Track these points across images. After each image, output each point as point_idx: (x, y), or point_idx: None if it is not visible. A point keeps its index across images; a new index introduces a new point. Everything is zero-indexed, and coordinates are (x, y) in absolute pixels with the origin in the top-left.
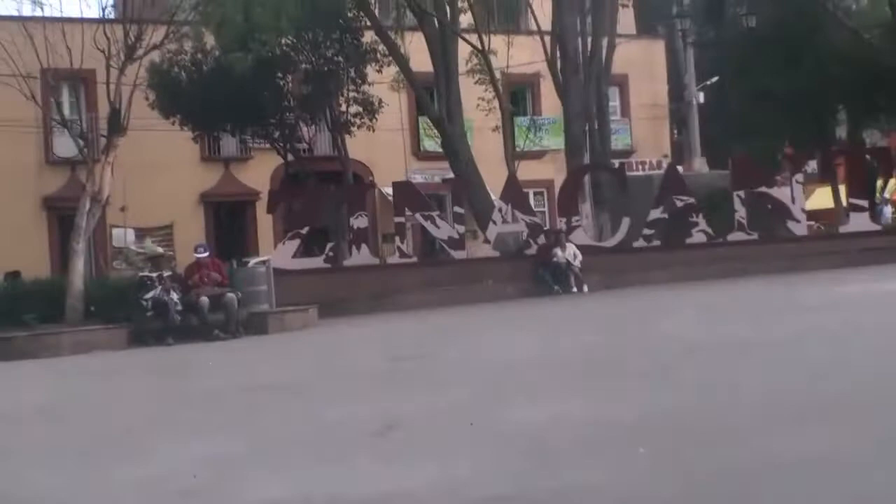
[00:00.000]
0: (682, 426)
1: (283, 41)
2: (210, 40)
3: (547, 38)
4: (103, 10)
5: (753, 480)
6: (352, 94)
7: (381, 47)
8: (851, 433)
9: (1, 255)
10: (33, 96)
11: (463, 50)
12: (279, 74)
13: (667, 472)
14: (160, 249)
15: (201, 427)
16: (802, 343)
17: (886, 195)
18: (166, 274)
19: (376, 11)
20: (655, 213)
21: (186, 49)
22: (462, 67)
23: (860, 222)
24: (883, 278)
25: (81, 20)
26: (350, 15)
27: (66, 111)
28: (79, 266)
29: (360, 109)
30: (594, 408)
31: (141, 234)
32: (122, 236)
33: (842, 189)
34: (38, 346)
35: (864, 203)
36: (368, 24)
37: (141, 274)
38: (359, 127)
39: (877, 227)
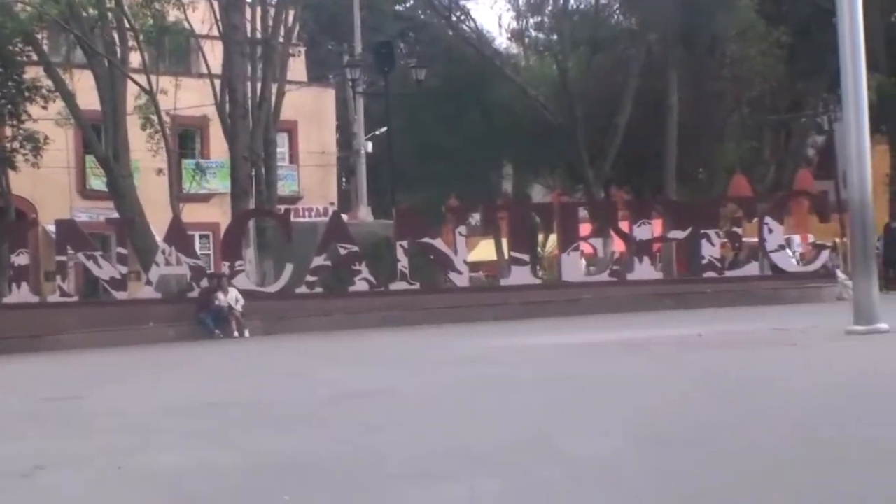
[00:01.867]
0: (329, 472)
1: None
2: None
3: (217, 82)
4: None
5: None
6: (19, 130)
7: (48, 83)
8: (505, 479)
9: None
10: None
11: (132, 88)
12: None
13: None
14: None
15: None
16: (456, 392)
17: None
18: None
19: (45, 47)
20: (319, 261)
21: None
22: (130, 107)
23: (521, 276)
24: (536, 332)
25: None
26: (15, 49)
27: None
28: None
29: (21, 145)
30: (242, 454)
31: None
32: None
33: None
34: None
35: (526, 257)
36: (34, 59)
37: None
38: (14, 164)
39: (536, 281)
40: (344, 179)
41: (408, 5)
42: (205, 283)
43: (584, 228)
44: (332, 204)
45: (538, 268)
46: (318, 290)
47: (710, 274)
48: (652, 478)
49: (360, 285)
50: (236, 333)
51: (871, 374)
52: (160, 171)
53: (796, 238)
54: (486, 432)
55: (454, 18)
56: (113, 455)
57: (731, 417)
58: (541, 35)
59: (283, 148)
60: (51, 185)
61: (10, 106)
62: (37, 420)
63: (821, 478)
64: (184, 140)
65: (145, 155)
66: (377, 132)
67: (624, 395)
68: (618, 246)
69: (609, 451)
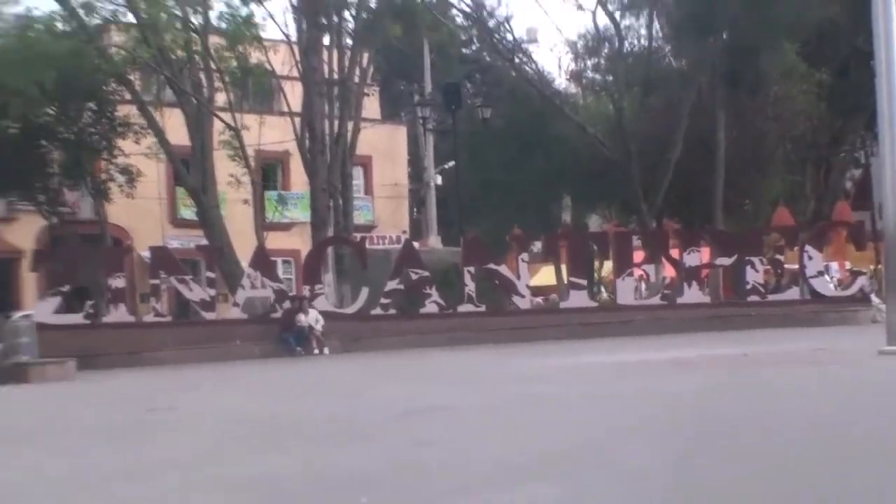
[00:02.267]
0: (400, 482)
1: (46, 111)
2: None
3: (297, 120)
4: None
5: None
6: (110, 164)
7: (140, 120)
8: (560, 489)
9: None
10: None
11: (218, 125)
12: (43, 143)
13: None
14: None
15: None
16: (513, 408)
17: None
18: None
19: (137, 87)
20: (392, 284)
21: None
22: (216, 141)
23: (579, 299)
24: (592, 351)
25: None
26: (109, 88)
27: None
28: None
29: (116, 177)
30: (313, 463)
31: None
32: None
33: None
34: None
35: (584, 282)
36: (127, 98)
37: None
38: (108, 195)
39: (593, 304)
40: (415, 210)
41: (474, 48)
42: (287, 304)
43: (638, 256)
44: (404, 232)
45: (601, 290)
46: (392, 311)
47: (754, 298)
48: (689, 486)
49: (430, 307)
50: (316, 351)
51: None
52: (245, 201)
53: (834, 265)
54: (534, 445)
55: (517, 61)
56: (201, 461)
57: (769, 425)
58: (597, 76)
59: (358, 181)
60: (144, 215)
61: (104, 142)
62: (135, 431)
63: (842, 472)
64: (266, 173)
65: (232, 187)
66: (446, 166)
67: (670, 409)
68: (669, 272)
69: (649, 462)
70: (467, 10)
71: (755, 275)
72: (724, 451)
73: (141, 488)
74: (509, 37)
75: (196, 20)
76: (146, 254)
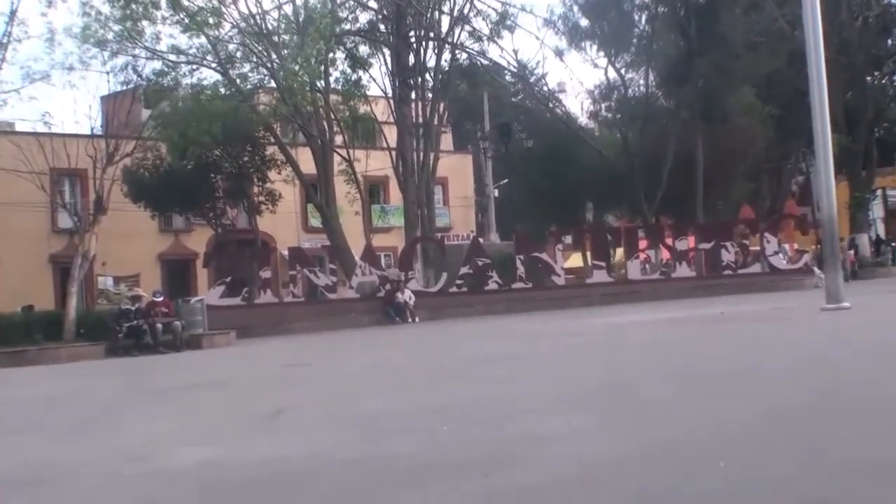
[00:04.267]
0: (477, 410)
1: (213, 152)
2: (163, 150)
3: (393, 152)
4: (92, 129)
5: (511, 448)
6: (260, 189)
7: (281, 156)
8: (595, 416)
9: (20, 294)
10: (43, 187)
11: (336, 158)
12: (212, 175)
13: (464, 442)
14: (141, 292)
15: (152, 412)
16: (561, 355)
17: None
18: (134, 307)
19: (278, 132)
20: (464, 269)
21: (149, 157)
22: (335, 170)
23: (600, 276)
24: (611, 314)
25: (77, 135)
26: (259, 134)
27: (66, 197)
28: (73, 302)
29: (264, 199)
30: (416, 399)
31: (117, 280)
32: (104, 282)
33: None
34: (44, 357)
35: (603, 263)
36: (272, 140)
37: (123, 307)
38: (260, 211)
39: (611, 280)
40: (479, 215)
41: (520, 97)
42: (388, 286)
43: (642, 243)
44: (472, 231)
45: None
46: (464, 289)
47: (727, 272)
48: (680, 404)
49: (491, 285)
50: (410, 320)
51: (836, 332)
52: (357, 213)
53: (786, 246)
54: (577, 382)
55: (551, 105)
56: (330, 402)
57: (744, 360)
58: (609, 115)
59: (438, 195)
60: (284, 224)
61: (256, 173)
62: (279, 380)
63: (796, 380)
64: (372, 192)
65: (347, 202)
66: (501, 183)
67: (673, 353)
68: (665, 255)
69: (662, 394)
70: (514, 70)
71: (728, 255)
72: (715, 382)
73: (297, 420)
74: (545, 88)
75: (320, 84)
76: (286, 252)
